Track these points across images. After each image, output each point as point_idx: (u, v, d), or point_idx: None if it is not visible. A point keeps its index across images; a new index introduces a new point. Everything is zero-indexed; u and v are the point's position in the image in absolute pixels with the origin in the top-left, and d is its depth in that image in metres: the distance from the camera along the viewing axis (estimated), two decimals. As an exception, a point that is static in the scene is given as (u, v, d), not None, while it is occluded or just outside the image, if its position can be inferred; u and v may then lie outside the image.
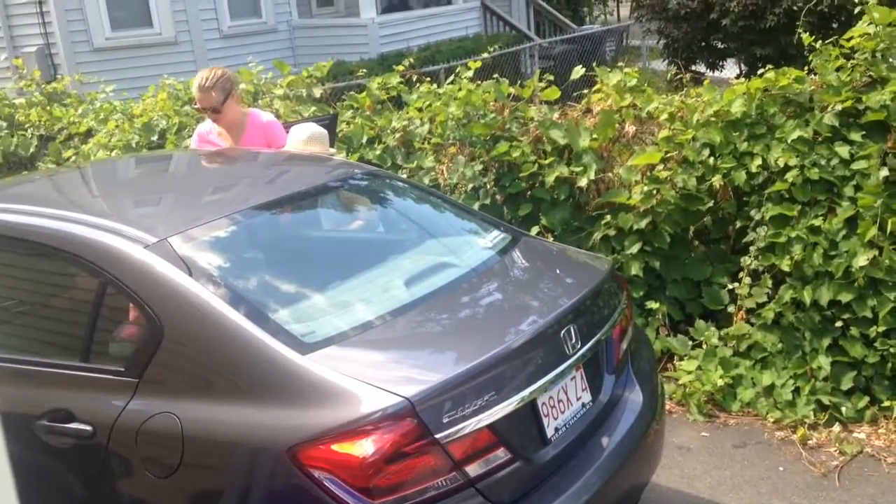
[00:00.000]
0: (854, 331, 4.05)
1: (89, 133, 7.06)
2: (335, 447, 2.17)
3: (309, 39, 13.56)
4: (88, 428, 2.49)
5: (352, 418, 2.17)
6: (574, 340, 2.63)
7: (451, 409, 2.23)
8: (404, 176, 5.13)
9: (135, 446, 2.41)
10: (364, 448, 2.15)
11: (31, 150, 7.38)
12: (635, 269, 4.56)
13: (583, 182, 4.73)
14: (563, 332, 2.61)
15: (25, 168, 7.31)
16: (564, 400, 2.63)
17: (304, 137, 4.29)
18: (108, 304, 2.67)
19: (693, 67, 12.79)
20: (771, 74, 4.47)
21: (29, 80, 8.43)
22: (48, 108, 7.75)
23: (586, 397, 2.73)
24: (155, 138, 6.37)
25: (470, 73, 5.55)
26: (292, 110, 6.04)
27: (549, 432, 2.53)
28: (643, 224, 4.54)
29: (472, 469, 2.28)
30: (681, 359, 4.46)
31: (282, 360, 2.33)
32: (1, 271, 3.13)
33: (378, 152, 5.48)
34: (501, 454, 2.35)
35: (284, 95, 6.22)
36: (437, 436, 2.20)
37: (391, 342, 2.51)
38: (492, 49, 6.37)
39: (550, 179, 4.79)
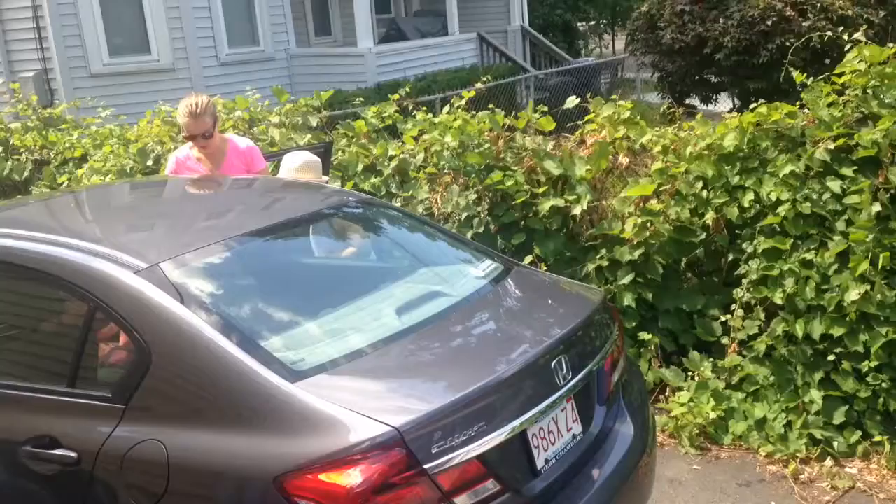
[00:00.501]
0: (846, 365, 4.04)
1: (84, 158, 7.07)
2: (322, 477, 2.14)
3: (306, 68, 13.66)
4: (73, 454, 2.46)
5: (339, 447, 2.16)
6: (565, 371, 2.62)
7: (440, 440, 2.21)
8: (398, 205, 5.14)
9: (120, 473, 2.38)
10: (351, 478, 2.13)
11: (26, 174, 7.38)
12: (628, 300, 4.56)
13: (576, 210, 4.74)
14: (553, 362, 2.59)
15: (19, 192, 7.31)
16: (555, 431, 2.61)
17: (297, 165, 4.30)
18: (96, 329, 2.65)
19: (687, 101, 12.90)
20: (763, 109, 4.50)
21: (26, 104, 8.44)
22: (44, 132, 7.76)
23: (577, 429, 2.72)
24: (150, 164, 6.38)
25: (462, 103, 5.58)
26: (288, 138, 6.06)
27: (539, 464, 2.51)
28: (636, 255, 4.55)
29: (461, 501, 2.25)
30: (673, 391, 4.44)
31: (270, 387, 2.31)
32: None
33: (373, 180, 5.50)
34: (490, 486, 2.33)
35: (280, 123, 6.24)
36: (426, 466, 2.18)
37: (381, 371, 2.49)
38: (484, 80, 6.43)
39: (544, 208, 4.80)
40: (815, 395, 4.05)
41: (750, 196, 4.36)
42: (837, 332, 4.01)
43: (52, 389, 2.64)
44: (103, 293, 2.57)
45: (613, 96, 5.24)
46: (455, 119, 5.42)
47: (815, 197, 4.21)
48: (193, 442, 2.31)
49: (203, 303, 2.55)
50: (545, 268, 4.72)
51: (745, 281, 4.36)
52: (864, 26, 4.60)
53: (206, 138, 4.28)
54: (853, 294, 3.94)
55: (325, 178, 4.46)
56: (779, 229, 4.29)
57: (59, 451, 2.49)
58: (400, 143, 5.67)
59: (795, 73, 4.55)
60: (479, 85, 6.16)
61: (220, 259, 2.81)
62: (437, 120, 5.63)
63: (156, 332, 2.47)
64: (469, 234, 4.92)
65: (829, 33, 5.62)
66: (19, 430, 2.60)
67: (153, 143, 6.54)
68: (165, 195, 3.86)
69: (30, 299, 2.99)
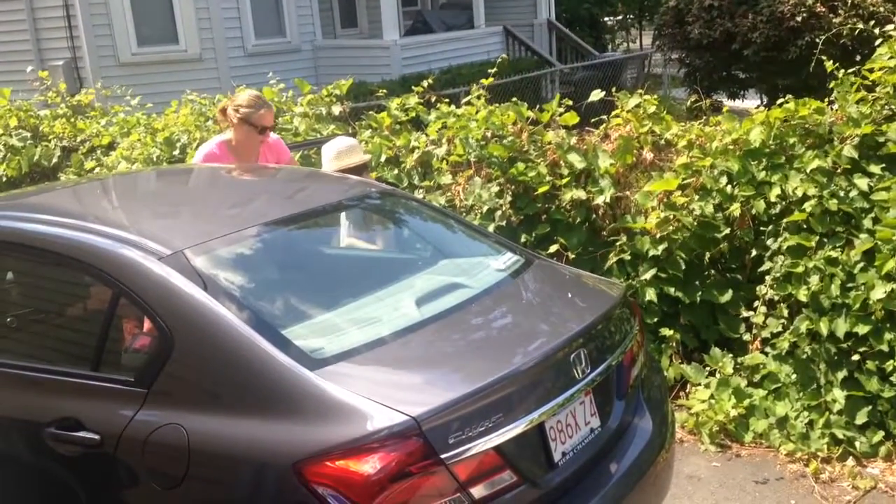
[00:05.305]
0: (870, 364, 3.99)
1: (112, 145, 7.15)
2: (340, 464, 2.16)
3: (332, 59, 13.68)
4: (96, 437, 2.49)
5: (357, 435, 2.17)
6: (584, 365, 2.62)
7: (457, 430, 2.22)
8: (420, 196, 5.15)
9: (141, 456, 2.41)
10: (368, 465, 2.15)
11: (54, 160, 7.47)
12: (650, 295, 4.53)
13: (598, 200, 4.72)
14: (573, 356, 2.59)
15: (48, 178, 7.40)
16: (573, 424, 2.60)
17: (332, 155, 4.33)
18: (120, 314, 2.69)
19: (714, 96, 12.78)
20: (791, 104, 4.46)
21: (54, 92, 8.54)
22: (72, 119, 7.85)
23: (595, 422, 2.71)
24: (176, 153, 6.44)
25: (481, 91, 5.57)
26: (311, 128, 6.09)
27: (557, 456, 2.51)
28: (659, 250, 4.52)
29: (477, 491, 2.26)
30: (694, 387, 4.42)
31: (290, 375, 2.33)
32: (16, 279, 3.16)
33: (395, 172, 5.51)
34: (507, 477, 2.33)
35: (304, 113, 6.27)
36: (443, 456, 2.19)
37: (400, 360, 2.50)
38: (498, 61, 6.55)
39: (566, 198, 4.78)
40: (838, 394, 4.01)
41: (776, 191, 4.32)
42: (862, 330, 3.96)
43: (76, 372, 2.67)
44: (128, 279, 2.60)
45: (639, 91, 5.20)
46: (477, 111, 5.42)
47: (841, 194, 4.17)
48: (213, 427, 2.33)
49: (226, 290, 2.57)
50: (568, 258, 4.70)
51: (768, 278, 4.32)
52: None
53: (273, 130, 4.37)
54: (879, 292, 3.89)
55: (366, 156, 4.52)
56: (804, 226, 4.25)
57: (82, 434, 2.52)
58: (423, 135, 5.67)
59: (827, 63, 4.49)
60: (493, 70, 6.15)
61: (243, 247, 2.83)
62: (459, 112, 5.63)
63: (179, 319, 2.49)
64: (491, 227, 4.92)
65: (860, 26, 5.54)
66: (43, 411, 2.64)
67: (179, 132, 6.60)
68: (190, 183, 3.89)
69: (56, 284, 3.03)
